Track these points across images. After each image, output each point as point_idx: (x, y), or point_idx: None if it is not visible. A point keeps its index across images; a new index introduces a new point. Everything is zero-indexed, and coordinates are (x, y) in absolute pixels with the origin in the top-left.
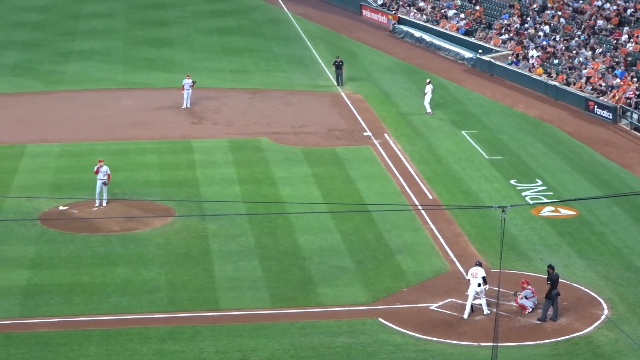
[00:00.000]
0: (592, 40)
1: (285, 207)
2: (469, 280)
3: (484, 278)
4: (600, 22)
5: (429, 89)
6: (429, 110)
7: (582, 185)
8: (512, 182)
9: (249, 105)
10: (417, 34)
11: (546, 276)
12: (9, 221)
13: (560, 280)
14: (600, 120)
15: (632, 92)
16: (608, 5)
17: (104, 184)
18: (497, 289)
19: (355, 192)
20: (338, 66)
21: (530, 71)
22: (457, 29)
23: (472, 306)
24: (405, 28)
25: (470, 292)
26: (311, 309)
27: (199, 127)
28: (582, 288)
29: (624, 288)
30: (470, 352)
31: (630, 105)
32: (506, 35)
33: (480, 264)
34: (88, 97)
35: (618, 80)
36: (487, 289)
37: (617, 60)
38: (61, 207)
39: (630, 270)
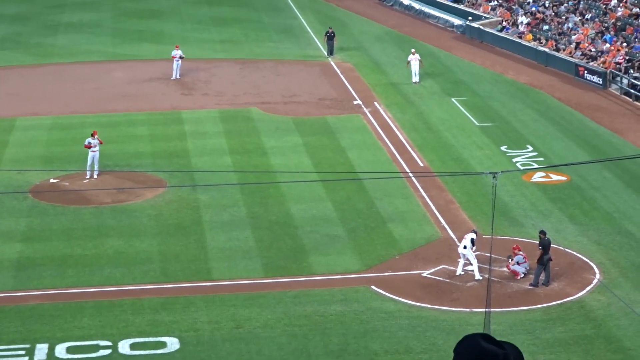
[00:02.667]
0: (581, 6)
1: (276, 177)
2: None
3: (472, 240)
4: None
5: (414, 58)
6: (415, 79)
7: (572, 151)
8: (503, 148)
9: (238, 76)
10: (406, 1)
11: (538, 242)
12: (0, 194)
13: (552, 245)
14: (590, 85)
15: (621, 57)
16: None
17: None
18: (489, 255)
19: (346, 160)
20: (330, 37)
21: (519, 38)
22: None
23: (464, 271)
24: None
25: (461, 255)
26: (304, 278)
27: (189, 98)
28: (574, 253)
29: (615, 252)
30: (463, 319)
31: (620, 70)
32: (495, 2)
33: (475, 232)
34: (77, 70)
35: (608, 45)
36: (474, 249)
37: (606, 25)
38: (52, 180)
39: (621, 234)
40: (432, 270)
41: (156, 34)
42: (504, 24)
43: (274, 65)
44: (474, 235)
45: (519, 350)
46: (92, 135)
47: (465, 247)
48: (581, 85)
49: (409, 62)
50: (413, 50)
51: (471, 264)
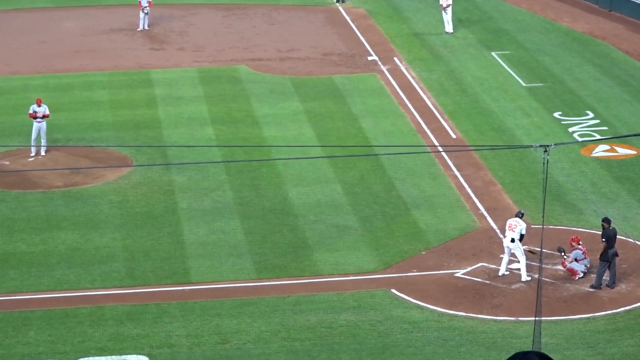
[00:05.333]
0: None
1: (271, 153)
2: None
3: (522, 235)
4: None
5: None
6: (448, 29)
7: None
8: (556, 115)
9: (222, 25)
10: None
11: (601, 232)
12: None
13: (618, 237)
14: None
15: None
16: None
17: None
18: (539, 249)
19: (359, 131)
20: None
21: None
22: None
23: (508, 270)
24: None
25: (506, 249)
26: (306, 280)
27: (161, 54)
28: None
29: None
30: (506, 330)
31: None
32: None
33: (521, 215)
34: (19, 19)
35: None
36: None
37: None
38: None
39: None
40: (468, 269)
41: None
42: None
43: (267, 11)
44: (523, 227)
45: None
46: (37, 104)
47: (512, 241)
48: None
49: (447, 6)
50: None
51: (518, 261)
